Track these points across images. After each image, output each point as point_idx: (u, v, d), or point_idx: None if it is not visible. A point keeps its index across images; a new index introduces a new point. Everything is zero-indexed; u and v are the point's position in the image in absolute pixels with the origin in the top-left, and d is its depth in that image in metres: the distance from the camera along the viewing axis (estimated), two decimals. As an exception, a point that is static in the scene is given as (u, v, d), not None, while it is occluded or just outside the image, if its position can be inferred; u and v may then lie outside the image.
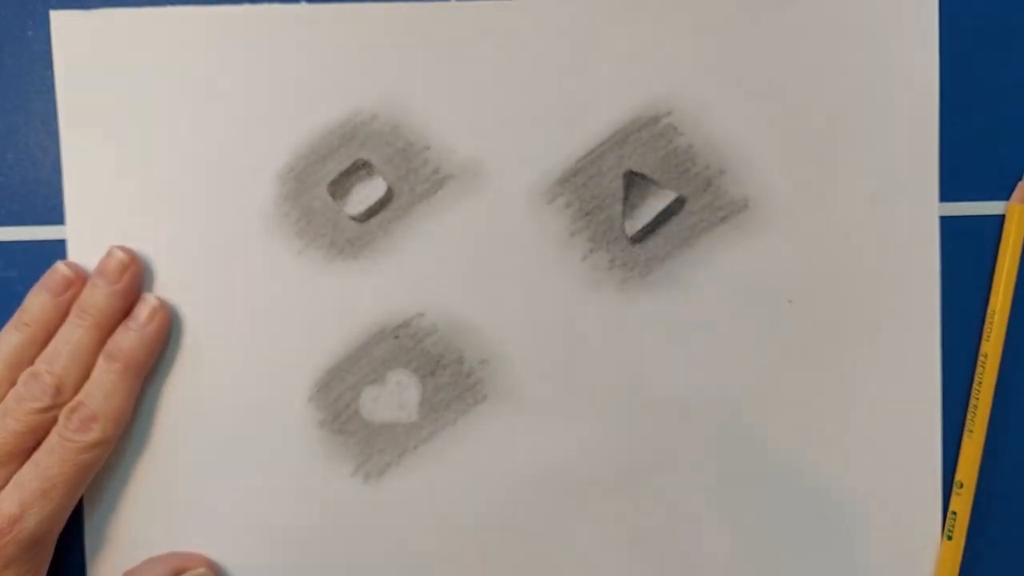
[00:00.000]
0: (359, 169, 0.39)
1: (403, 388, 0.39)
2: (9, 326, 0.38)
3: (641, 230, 0.39)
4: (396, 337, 0.39)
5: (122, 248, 0.38)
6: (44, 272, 0.38)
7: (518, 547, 0.39)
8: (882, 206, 0.39)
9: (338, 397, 0.39)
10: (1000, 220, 0.40)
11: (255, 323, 0.39)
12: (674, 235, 0.39)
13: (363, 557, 0.39)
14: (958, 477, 0.40)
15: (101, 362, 0.37)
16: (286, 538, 0.39)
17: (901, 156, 0.39)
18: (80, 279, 0.38)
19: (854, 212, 0.39)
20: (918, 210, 0.40)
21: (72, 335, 0.37)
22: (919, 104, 0.39)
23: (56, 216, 0.39)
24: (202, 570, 0.38)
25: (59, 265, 0.38)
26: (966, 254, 0.40)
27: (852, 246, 0.39)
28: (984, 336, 0.40)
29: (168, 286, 0.39)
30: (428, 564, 0.39)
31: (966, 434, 0.40)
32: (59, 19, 0.38)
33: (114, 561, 0.39)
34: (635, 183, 0.39)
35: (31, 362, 0.37)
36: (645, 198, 0.39)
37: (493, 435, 0.39)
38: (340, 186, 0.39)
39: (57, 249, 0.39)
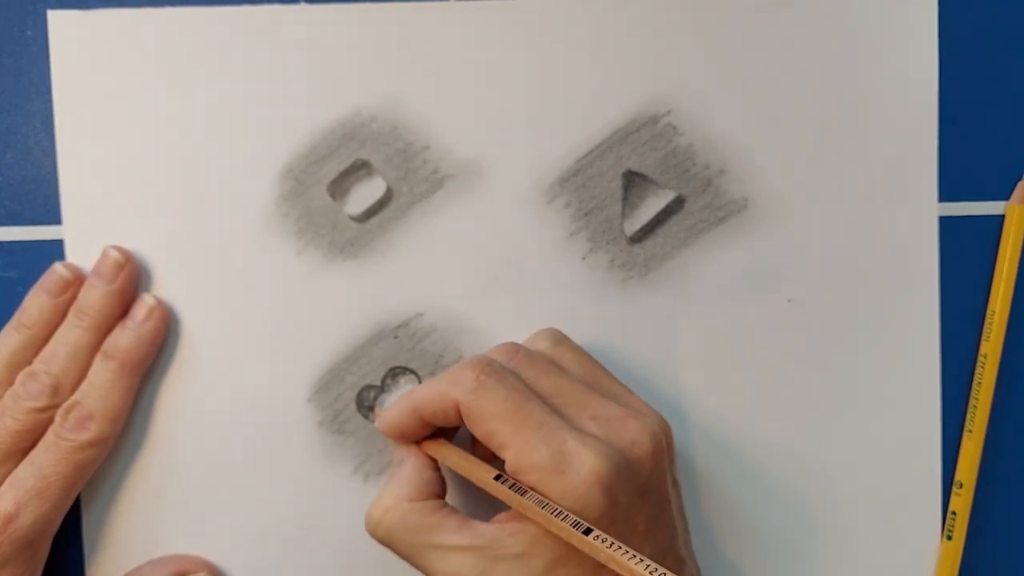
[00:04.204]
0: (359, 169, 0.39)
1: (402, 388, 0.39)
2: (8, 327, 0.38)
3: (640, 230, 0.39)
4: (395, 337, 0.39)
5: (117, 248, 0.38)
6: (44, 272, 0.38)
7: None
8: (881, 206, 0.39)
9: (338, 397, 0.39)
10: (1000, 220, 0.40)
11: (255, 323, 0.39)
12: (673, 235, 0.39)
13: (363, 557, 0.39)
14: (958, 477, 0.40)
15: (98, 361, 0.37)
16: (286, 538, 0.39)
17: (901, 156, 0.39)
18: (78, 280, 0.38)
19: (853, 212, 0.39)
20: (918, 210, 0.40)
21: (70, 335, 0.37)
22: (919, 104, 0.39)
23: (56, 216, 0.39)
24: (203, 574, 0.38)
25: (57, 266, 0.38)
26: (966, 254, 0.40)
27: (852, 246, 0.39)
28: (984, 336, 0.40)
29: (168, 286, 0.39)
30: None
31: (966, 434, 0.40)
32: (57, 19, 0.38)
33: (113, 561, 0.39)
34: (634, 183, 0.39)
35: (30, 363, 0.37)
36: (644, 198, 0.39)
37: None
38: (340, 186, 0.39)
39: (57, 249, 0.39)
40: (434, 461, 0.36)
